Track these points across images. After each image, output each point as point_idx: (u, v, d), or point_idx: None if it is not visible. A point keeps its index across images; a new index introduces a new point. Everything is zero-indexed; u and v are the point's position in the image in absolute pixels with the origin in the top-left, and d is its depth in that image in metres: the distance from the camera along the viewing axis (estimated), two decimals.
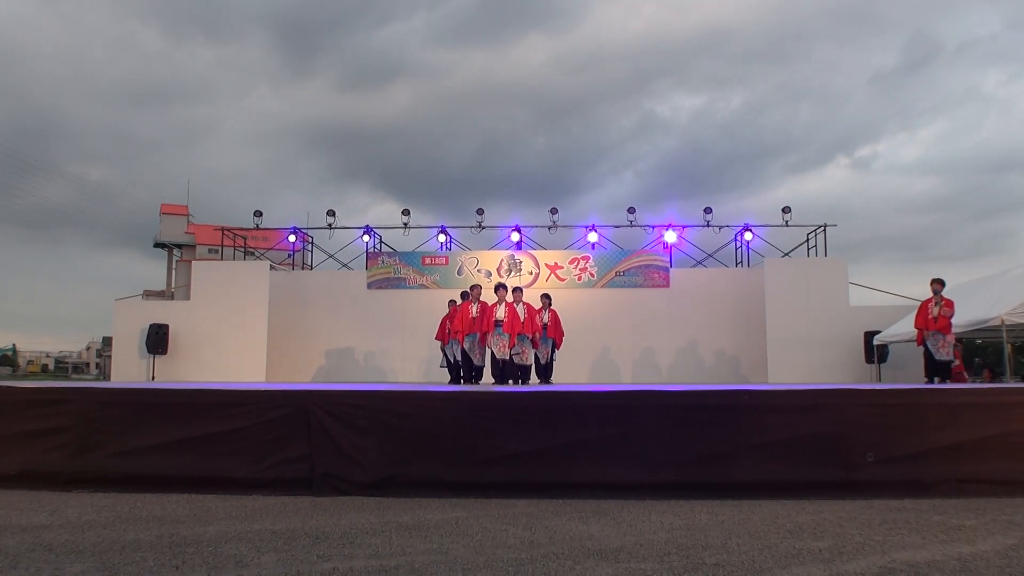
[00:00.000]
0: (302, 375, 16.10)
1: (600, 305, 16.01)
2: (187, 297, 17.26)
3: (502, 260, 16.38)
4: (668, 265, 16.19)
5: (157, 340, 15.22)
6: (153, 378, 15.27)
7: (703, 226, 16.41)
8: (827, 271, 15.04)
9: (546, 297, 11.75)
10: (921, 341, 10.37)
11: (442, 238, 17.00)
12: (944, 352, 10.06)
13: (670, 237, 16.22)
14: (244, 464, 5.79)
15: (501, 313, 10.56)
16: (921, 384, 9.46)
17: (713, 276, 16.36)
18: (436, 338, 12.48)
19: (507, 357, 10.57)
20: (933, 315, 10.12)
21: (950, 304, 10.09)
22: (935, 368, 10.18)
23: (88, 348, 69.99)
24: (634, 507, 5.11)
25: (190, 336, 15.57)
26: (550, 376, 11.70)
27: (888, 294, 15.55)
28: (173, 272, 38.61)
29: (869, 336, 14.09)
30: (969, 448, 5.65)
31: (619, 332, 15.87)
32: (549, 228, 16.66)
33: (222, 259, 20.25)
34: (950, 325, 10.07)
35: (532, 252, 16.56)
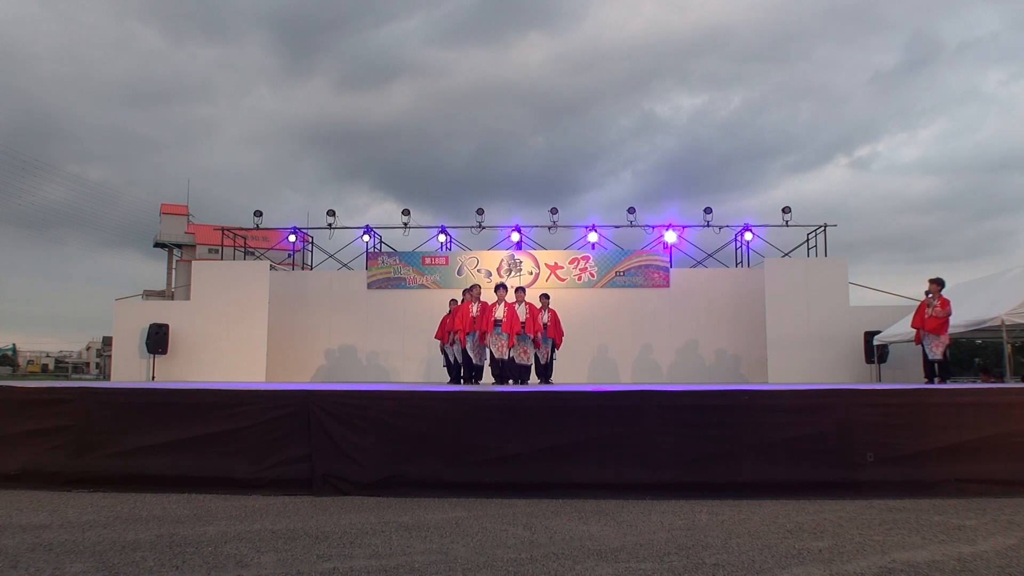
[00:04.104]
0: (302, 375, 16.10)
1: (600, 305, 16.02)
2: (187, 297, 17.26)
3: (502, 260, 16.39)
4: (668, 265, 16.19)
5: (157, 340, 15.22)
6: (153, 378, 15.27)
7: (703, 226, 16.41)
8: (827, 271, 15.04)
9: (545, 297, 11.74)
10: (919, 341, 10.35)
11: (442, 238, 17.00)
12: (937, 352, 10.01)
13: (670, 237, 16.22)
14: (244, 464, 5.79)
15: (500, 313, 10.56)
16: (921, 384, 9.45)
17: (713, 276, 16.36)
18: (436, 337, 12.47)
19: (505, 357, 10.57)
20: (929, 315, 10.10)
21: (945, 304, 10.03)
22: (933, 368, 10.16)
23: (88, 348, 69.90)
24: (634, 507, 5.11)
25: (190, 336, 15.57)
26: (550, 376, 11.70)
27: (888, 294, 15.60)
28: (173, 272, 38.65)
29: (869, 336, 14.08)
30: (969, 448, 5.66)
31: (619, 332, 15.87)
32: (549, 228, 16.66)
33: (222, 259, 20.26)
34: (944, 325, 10.01)
35: (532, 252, 16.56)
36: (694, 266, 16.73)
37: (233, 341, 15.33)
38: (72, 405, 6.16)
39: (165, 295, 34.22)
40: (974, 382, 14.65)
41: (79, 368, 67.57)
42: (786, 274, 15.08)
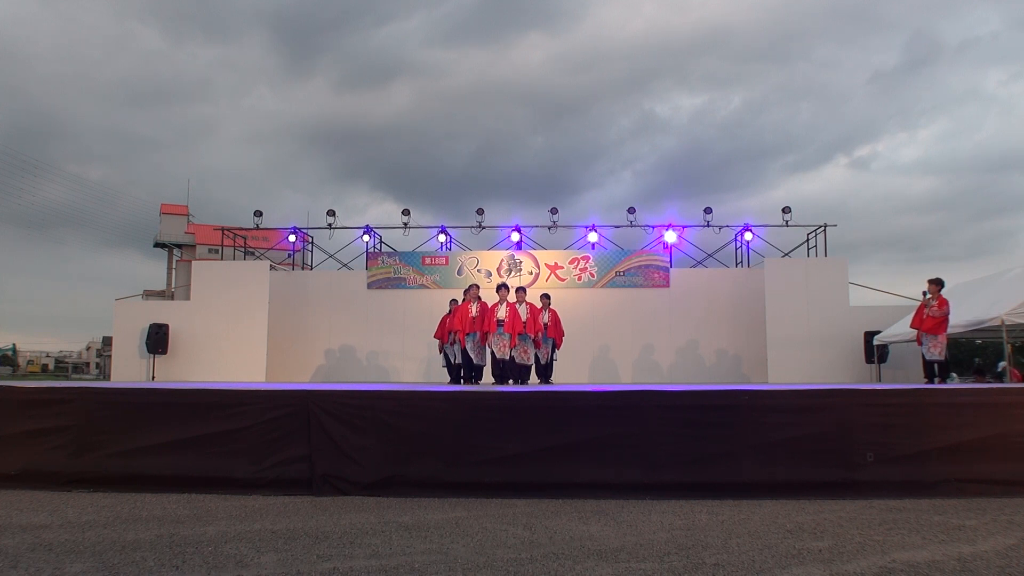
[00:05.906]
0: (302, 375, 16.10)
1: (600, 305, 16.01)
2: (187, 297, 17.26)
3: (502, 260, 16.38)
4: (668, 265, 16.19)
5: (157, 340, 15.22)
6: (153, 378, 15.27)
7: (703, 226, 16.40)
8: (827, 271, 15.03)
9: (545, 297, 11.74)
10: (920, 341, 10.35)
11: (442, 238, 16.99)
12: (936, 352, 10.00)
13: (670, 237, 16.21)
14: (244, 464, 5.79)
15: (502, 313, 10.56)
16: (921, 384, 9.44)
17: (713, 276, 16.36)
18: (435, 336, 12.46)
19: (507, 357, 10.56)
20: (927, 315, 10.09)
21: (943, 303, 10.02)
22: (933, 368, 10.15)
23: (88, 348, 69.90)
24: (634, 507, 5.11)
25: (190, 336, 15.57)
26: (550, 376, 11.70)
27: (888, 294, 15.59)
28: (173, 272, 38.66)
29: (869, 336, 14.08)
30: (969, 448, 5.66)
31: (619, 332, 15.86)
32: (549, 228, 16.65)
33: (222, 259, 20.25)
34: (942, 324, 10.00)
35: (532, 252, 16.55)
36: (694, 266, 16.72)
37: (233, 341, 15.32)
38: (72, 405, 6.17)
39: (165, 295, 34.22)
40: (972, 382, 14.64)
41: (79, 368, 67.55)
42: (786, 274, 15.08)
